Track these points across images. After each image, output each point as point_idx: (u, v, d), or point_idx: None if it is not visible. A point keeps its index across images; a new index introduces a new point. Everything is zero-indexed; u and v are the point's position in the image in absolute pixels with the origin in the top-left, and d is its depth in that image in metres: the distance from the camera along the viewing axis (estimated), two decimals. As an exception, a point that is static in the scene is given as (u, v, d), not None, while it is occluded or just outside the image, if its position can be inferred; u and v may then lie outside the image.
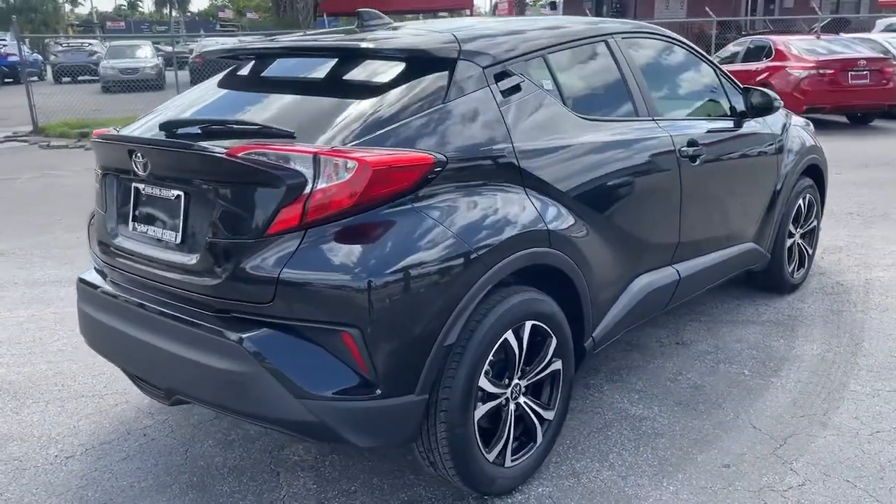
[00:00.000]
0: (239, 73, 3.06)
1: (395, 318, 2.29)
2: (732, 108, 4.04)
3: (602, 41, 3.31)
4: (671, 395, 3.46)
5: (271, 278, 2.28)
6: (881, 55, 12.73)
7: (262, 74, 3.01)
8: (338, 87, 2.73)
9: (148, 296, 2.64)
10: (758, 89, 4.09)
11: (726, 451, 2.99)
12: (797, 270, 4.76)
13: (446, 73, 2.64)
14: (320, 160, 2.27)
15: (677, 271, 3.54)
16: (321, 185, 2.27)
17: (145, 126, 2.85)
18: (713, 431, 3.14)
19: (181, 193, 2.53)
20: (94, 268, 2.99)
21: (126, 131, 2.87)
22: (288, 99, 2.73)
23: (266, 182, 2.30)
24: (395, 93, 2.55)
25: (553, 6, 39.88)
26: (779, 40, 13.56)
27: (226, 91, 2.98)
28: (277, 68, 3.02)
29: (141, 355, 2.66)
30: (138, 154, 2.57)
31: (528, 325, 2.64)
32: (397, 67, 2.67)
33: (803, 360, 3.81)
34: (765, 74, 12.91)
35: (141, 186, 2.69)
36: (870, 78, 12.19)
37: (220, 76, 3.13)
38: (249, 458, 3.04)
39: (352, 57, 2.80)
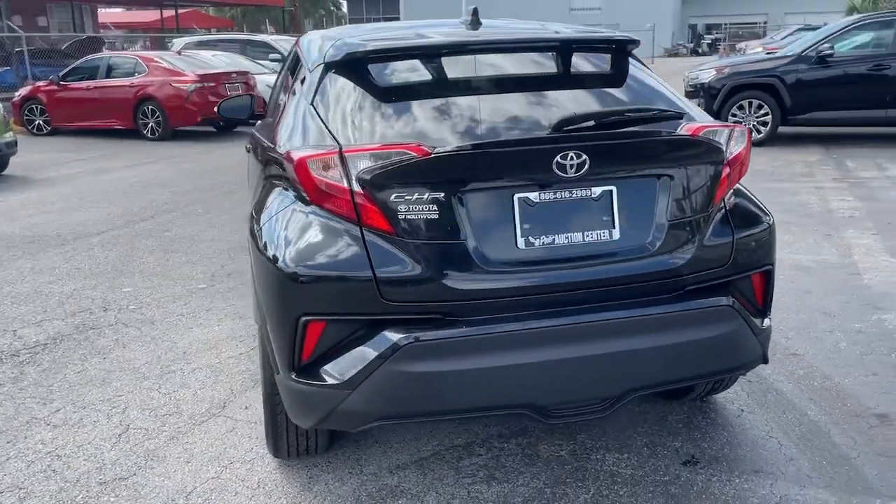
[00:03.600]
0: (443, 71, 2.69)
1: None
2: None
3: None
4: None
5: (729, 242, 2.57)
6: (244, 70, 14.43)
7: (484, 71, 2.77)
8: (592, 76, 2.85)
9: (568, 310, 2.38)
10: None
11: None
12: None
13: (632, 58, 3.06)
14: (733, 133, 2.62)
15: None
16: (732, 152, 2.62)
17: (477, 132, 2.44)
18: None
19: (611, 188, 2.41)
20: (419, 317, 2.34)
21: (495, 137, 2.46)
22: (560, 90, 2.74)
23: (712, 156, 2.53)
24: (646, 77, 2.92)
25: None
26: (149, 56, 13.93)
27: (458, 89, 2.67)
28: (491, 64, 2.81)
29: (577, 374, 2.38)
30: (571, 155, 2.29)
31: None
32: (607, 55, 2.94)
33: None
34: (148, 89, 13.16)
35: (532, 195, 2.35)
36: (241, 89, 13.78)
37: (401, 76, 2.71)
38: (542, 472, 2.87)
39: (571, 50, 2.86)
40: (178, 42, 18.77)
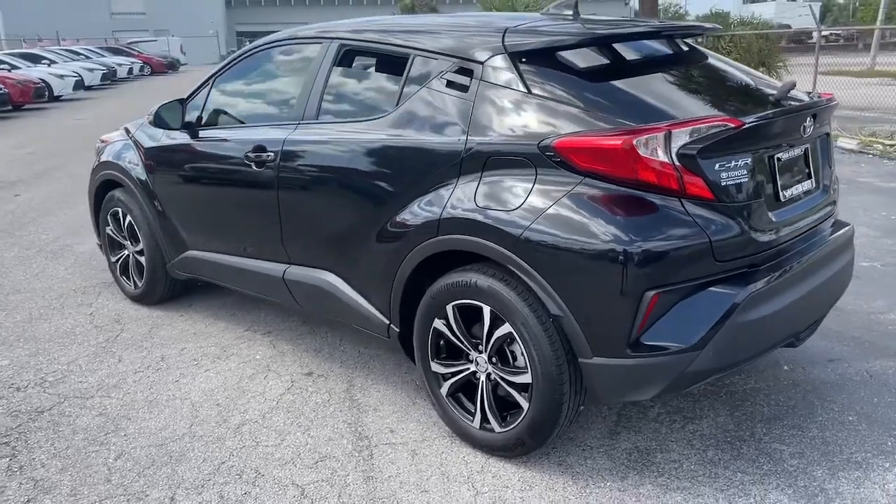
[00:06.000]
0: (624, 55, 2.93)
1: None
2: None
3: None
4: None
5: (836, 181, 3.34)
6: None
7: (649, 55, 3.05)
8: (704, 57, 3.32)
9: (805, 248, 2.89)
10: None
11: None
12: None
13: None
14: None
15: None
16: None
17: (735, 105, 2.79)
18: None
19: (807, 146, 2.97)
20: (735, 271, 2.61)
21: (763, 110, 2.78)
22: (726, 67, 3.19)
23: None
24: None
25: None
26: None
27: (649, 68, 2.94)
28: (648, 49, 3.09)
29: (818, 299, 2.93)
30: (809, 119, 2.82)
31: None
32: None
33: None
34: None
35: (780, 154, 2.79)
36: None
37: (596, 58, 2.89)
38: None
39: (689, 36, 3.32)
40: None
